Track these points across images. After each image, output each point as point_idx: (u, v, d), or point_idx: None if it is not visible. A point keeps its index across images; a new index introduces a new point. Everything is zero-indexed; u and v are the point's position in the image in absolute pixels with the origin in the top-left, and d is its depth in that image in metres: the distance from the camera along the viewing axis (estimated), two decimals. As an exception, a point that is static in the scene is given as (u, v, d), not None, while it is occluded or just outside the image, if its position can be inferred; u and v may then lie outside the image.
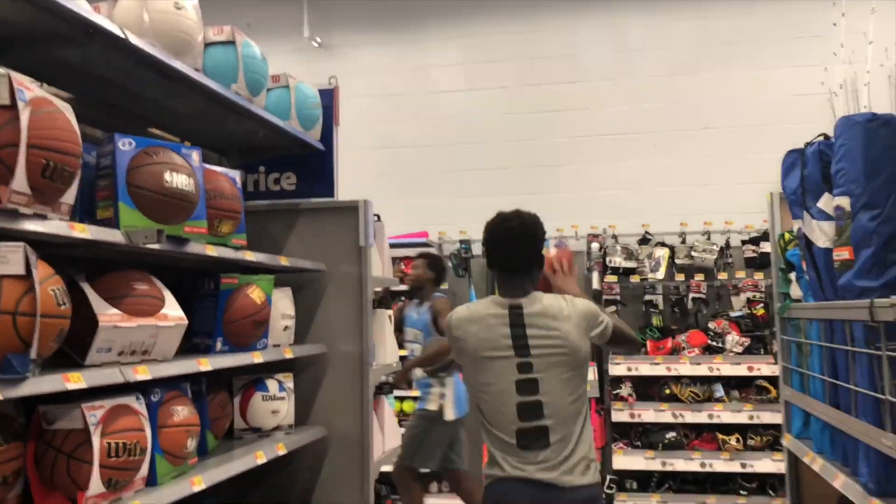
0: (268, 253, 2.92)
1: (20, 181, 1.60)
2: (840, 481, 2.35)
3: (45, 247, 1.81)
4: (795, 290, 2.90)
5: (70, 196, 1.81)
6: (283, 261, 3.00)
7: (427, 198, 6.51)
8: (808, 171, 2.46)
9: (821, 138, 2.47)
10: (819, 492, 3.08)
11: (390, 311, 3.72)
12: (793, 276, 2.94)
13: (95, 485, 1.92)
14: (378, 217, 3.52)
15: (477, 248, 6.09)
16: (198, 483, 2.32)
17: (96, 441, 1.93)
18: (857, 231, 2.12)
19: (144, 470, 2.12)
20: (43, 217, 1.73)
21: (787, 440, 3.18)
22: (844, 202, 2.17)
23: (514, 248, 2.36)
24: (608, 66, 6.35)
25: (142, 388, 2.20)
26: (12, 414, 1.97)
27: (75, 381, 1.81)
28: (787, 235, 3.04)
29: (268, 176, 3.54)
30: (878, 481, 2.08)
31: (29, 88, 1.65)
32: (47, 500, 1.95)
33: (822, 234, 2.34)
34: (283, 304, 3.08)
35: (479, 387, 2.35)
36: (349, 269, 3.33)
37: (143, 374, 2.07)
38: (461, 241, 6.14)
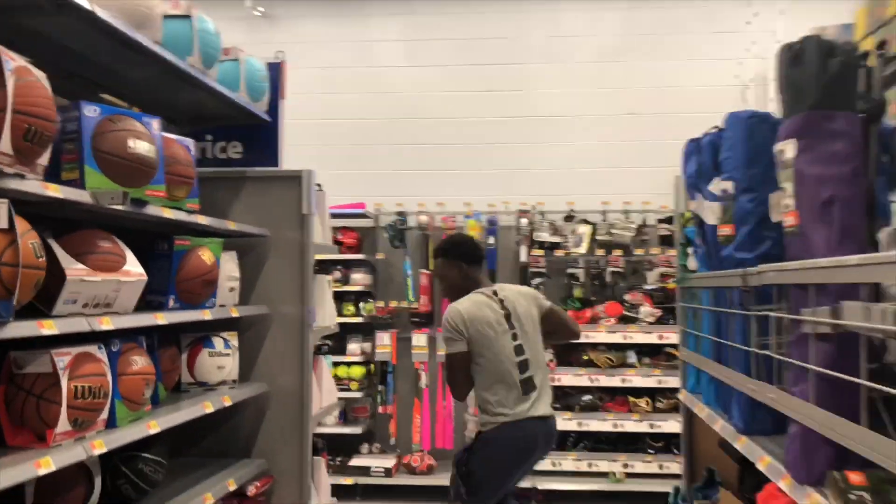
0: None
1: (5, 143, 1.77)
2: (719, 425, 2.75)
3: (17, 205, 1.98)
4: (692, 263, 3.28)
5: (45, 158, 1.97)
6: (231, 225, 3.19)
7: (365, 169, 6.67)
8: (703, 159, 2.82)
9: (714, 129, 2.81)
10: (706, 438, 3.52)
11: (330, 277, 3.94)
12: (690, 250, 3.32)
13: (63, 423, 2.10)
14: (320, 186, 3.72)
15: (412, 221, 6.33)
16: (153, 427, 2.52)
17: (64, 383, 2.11)
18: (738, 211, 2.49)
19: (105, 413, 2.31)
20: (22, 177, 1.89)
21: (682, 395, 3.59)
22: (729, 186, 2.53)
23: (479, 245, 3.55)
24: (542, 51, 6.62)
25: (102, 339, 2.38)
26: (-17, 359, 2.14)
27: (48, 327, 2.00)
28: (686, 214, 3.42)
29: (215, 144, 3.69)
30: (746, 421, 2.47)
31: (13, 58, 1.81)
32: (17, 436, 2.12)
33: (711, 213, 2.70)
34: (229, 267, 3.27)
35: (490, 356, 3.18)
36: (292, 235, 3.53)
37: (107, 324, 2.26)
38: (398, 213, 6.34)
